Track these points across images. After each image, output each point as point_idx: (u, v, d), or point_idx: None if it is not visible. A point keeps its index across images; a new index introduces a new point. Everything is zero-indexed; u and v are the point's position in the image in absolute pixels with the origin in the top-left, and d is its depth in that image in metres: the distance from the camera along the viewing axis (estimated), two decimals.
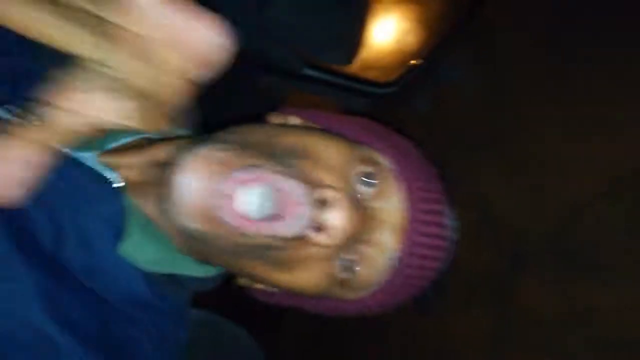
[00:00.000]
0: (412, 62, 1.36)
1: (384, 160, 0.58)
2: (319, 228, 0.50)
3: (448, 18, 1.40)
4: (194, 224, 0.50)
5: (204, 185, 0.49)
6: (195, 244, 0.53)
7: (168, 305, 0.59)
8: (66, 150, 0.53)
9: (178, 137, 0.64)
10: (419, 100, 1.41)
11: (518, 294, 1.21)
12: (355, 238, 0.53)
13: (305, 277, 0.54)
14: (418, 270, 0.58)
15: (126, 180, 0.57)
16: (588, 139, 1.15)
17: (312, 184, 0.51)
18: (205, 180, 0.49)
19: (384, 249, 0.56)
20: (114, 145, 0.60)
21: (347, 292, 0.57)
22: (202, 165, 0.49)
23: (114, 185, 0.56)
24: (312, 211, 0.50)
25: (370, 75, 1.32)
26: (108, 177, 0.56)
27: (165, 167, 0.54)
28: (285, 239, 0.50)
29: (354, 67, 1.28)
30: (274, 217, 0.49)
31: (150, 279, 0.57)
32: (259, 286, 0.63)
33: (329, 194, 0.50)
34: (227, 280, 0.64)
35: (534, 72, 1.28)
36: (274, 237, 0.50)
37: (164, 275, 0.58)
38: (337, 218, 0.50)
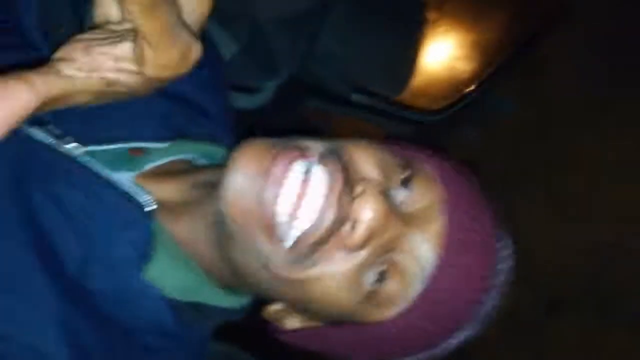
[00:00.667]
0: (463, 90, 1.36)
1: (426, 168, 0.54)
2: (347, 220, 0.47)
3: (502, 48, 1.38)
4: (238, 215, 0.48)
5: (256, 168, 0.47)
6: (229, 251, 0.51)
7: (190, 335, 0.57)
8: (104, 170, 0.55)
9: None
10: (466, 129, 1.40)
11: (554, 338, 1.18)
12: (386, 246, 0.49)
13: (334, 284, 0.49)
14: (452, 294, 0.51)
15: (160, 202, 0.56)
16: (637, 182, 1.11)
17: (350, 176, 0.48)
18: (256, 165, 0.47)
19: (417, 258, 0.50)
20: (152, 165, 0.59)
21: (373, 309, 0.51)
22: (254, 152, 0.48)
23: (146, 208, 0.55)
24: (344, 198, 0.47)
25: (419, 102, 1.31)
26: (141, 200, 0.55)
27: (211, 187, 0.53)
28: (315, 232, 0.47)
29: (403, 93, 1.28)
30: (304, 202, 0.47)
31: (175, 307, 0.55)
32: (288, 320, 0.58)
33: (367, 186, 0.48)
34: (253, 313, 0.63)
35: (586, 109, 1.24)
36: (310, 224, 0.47)
37: (189, 304, 0.56)
38: (364, 208, 0.47)
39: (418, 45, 1.32)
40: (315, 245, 0.47)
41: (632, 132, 1.13)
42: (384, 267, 0.50)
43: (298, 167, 0.47)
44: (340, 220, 0.47)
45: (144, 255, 0.53)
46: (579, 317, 1.15)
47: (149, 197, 0.56)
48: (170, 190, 0.58)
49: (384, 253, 0.50)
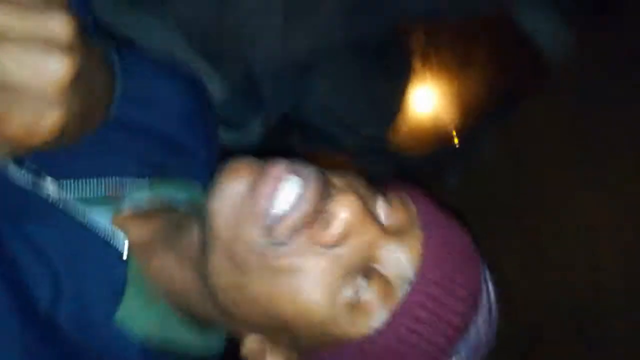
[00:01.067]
0: (446, 137, 1.41)
1: (401, 194, 0.54)
2: (322, 218, 0.47)
3: (485, 99, 1.44)
4: (225, 225, 0.47)
5: (245, 181, 0.47)
6: (205, 268, 0.50)
7: None
8: (79, 208, 0.54)
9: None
10: (448, 174, 1.44)
11: None
12: (364, 251, 0.48)
13: (313, 291, 0.47)
14: (431, 311, 0.49)
15: (136, 242, 0.56)
16: (613, 220, 1.15)
17: (329, 184, 0.49)
18: (245, 179, 0.47)
19: (396, 267, 0.49)
20: (129, 205, 0.59)
21: (354, 321, 0.49)
22: (241, 167, 0.48)
23: (121, 250, 0.55)
24: (322, 194, 0.47)
25: (403, 146, 1.35)
26: (116, 242, 0.55)
27: (189, 224, 0.55)
28: (293, 227, 0.46)
29: (388, 137, 1.32)
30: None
31: (146, 350, 0.54)
32: (268, 356, 0.55)
33: (343, 187, 0.49)
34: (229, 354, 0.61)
35: (563, 153, 1.30)
36: (292, 222, 0.46)
37: (161, 345, 0.55)
38: (341, 204, 0.46)
39: (404, 90, 1.37)
40: (291, 230, 0.46)
41: (603, 183, 1.19)
42: (363, 276, 0.49)
43: (287, 174, 0.48)
44: (317, 212, 0.46)
45: (116, 297, 0.53)
46: (558, 347, 1.17)
47: (124, 239, 0.55)
48: (147, 229, 0.57)
49: (361, 260, 0.48)
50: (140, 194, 0.60)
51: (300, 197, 0.46)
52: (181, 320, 0.56)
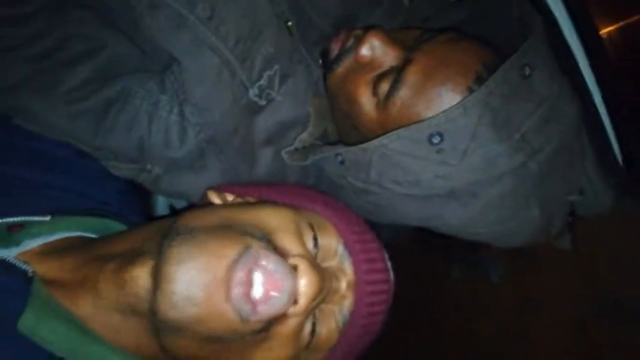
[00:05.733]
0: None
1: (326, 222, 0.62)
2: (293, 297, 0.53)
3: None
4: (188, 316, 0.50)
5: (208, 276, 0.50)
6: (167, 339, 0.53)
7: None
8: None
9: (120, 233, 0.66)
10: (455, 267, 1.45)
11: None
12: (317, 303, 0.57)
13: (285, 349, 0.56)
14: (370, 317, 0.61)
15: (53, 280, 0.56)
16: None
17: (284, 254, 0.54)
18: (207, 271, 0.50)
19: (340, 303, 0.60)
20: (36, 244, 0.60)
21: (311, 356, 0.60)
22: (198, 255, 0.51)
23: (24, 276, 0.55)
24: (293, 284, 0.52)
25: None
26: (20, 270, 0.56)
27: (104, 260, 0.56)
28: (271, 318, 0.52)
29: None
30: (264, 298, 0.52)
31: None
32: None
33: (298, 261, 0.54)
34: None
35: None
36: (267, 317, 0.52)
37: None
38: (303, 285, 0.53)
39: None
40: (267, 322, 0.53)
41: None
42: (315, 317, 0.58)
43: (249, 271, 0.52)
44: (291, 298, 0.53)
45: (13, 321, 0.52)
46: None
47: (29, 270, 0.56)
48: (62, 267, 0.58)
49: (317, 307, 0.57)
50: (45, 231, 0.61)
51: (273, 289, 0.52)
52: (93, 336, 0.56)
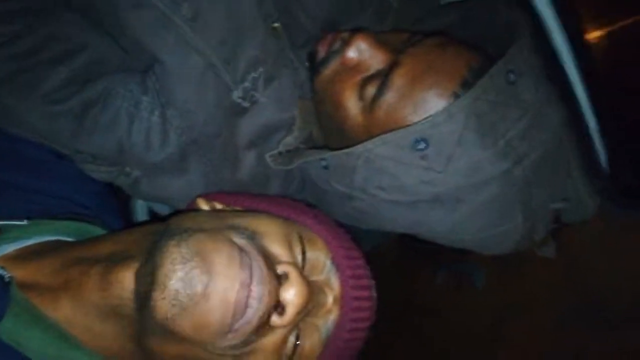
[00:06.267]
0: None
1: (314, 235, 0.62)
2: (278, 306, 0.53)
3: None
4: (184, 322, 0.49)
5: (207, 277, 0.49)
6: (148, 343, 0.53)
7: None
8: None
9: (102, 237, 0.66)
10: (439, 271, 1.46)
11: None
12: (303, 315, 0.57)
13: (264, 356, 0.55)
14: (353, 332, 0.61)
15: (32, 284, 0.56)
16: None
17: (273, 260, 0.54)
18: (212, 271, 0.50)
19: (325, 317, 0.60)
20: (13, 248, 0.59)
21: None
22: (202, 255, 0.50)
23: (4, 280, 0.54)
24: (276, 288, 0.53)
25: None
26: None
27: (84, 263, 0.55)
28: (254, 326, 0.52)
29: None
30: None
31: None
32: None
33: (288, 269, 0.54)
34: None
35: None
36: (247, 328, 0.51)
37: None
38: (292, 294, 0.53)
39: None
40: (250, 333, 0.52)
41: None
42: (300, 330, 0.58)
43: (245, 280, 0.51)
44: (274, 306, 0.53)
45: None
46: None
47: (6, 274, 0.54)
48: (40, 271, 0.57)
49: (301, 319, 0.57)
50: (23, 235, 0.60)
51: (252, 297, 0.51)
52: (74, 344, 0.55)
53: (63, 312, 0.55)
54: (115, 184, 0.77)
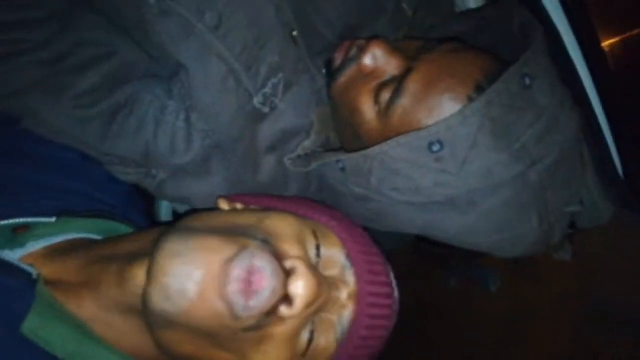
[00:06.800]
0: None
1: (330, 232, 0.63)
2: (286, 299, 0.53)
3: None
4: (180, 310, 0.50)
5: (202, 271, 0.50)
6: (164, 336, 0.53)
7: None
8: None
9: (125, 235, 0.66)
10: (451, 275, 1.46)
11: None
12: (317, 310, 0.57)
13: (281, 351, 0.55)
14: (370, 330, 0.60)
15: (57, 281, 0.56)
16: None
17: (281, 257, 0.55)
18: (202, 266, 0.50)
19: (339, 313, 0.59)
20: (41, 245, 0.60)
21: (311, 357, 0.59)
22: (194, 250, 0.51)
23: (29, 278, 0.55)
24: (283, 280, 0.53)
25: None
26: (25, 272, 0.55)
27: (108, 261, 0.56)
28: (262, 316, 0.52)
29: None
30: (252, 294, 0.51)
31: None
32: None
33: (296, 263, 0.54)
34: None
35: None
36: (256, 313, 0.51)
37: None
38: (300, 287, 0.53)
39: None
40: (258, 319, 0.52)
41: None
42: (314, 325, 0.58)
43: (246, 264, 0.52)
44: (281, 298, 0.53)
45: (17, 323, 0.52)
46: None
47: (34, 272, 0.55)
48: (66, 269, 0.58)
49: (315, 314, 0.57)
50: (50, 232, 0.61)
51: (262, 285, 0.51)
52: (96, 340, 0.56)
53: (86, 309, 0.56)
54: (140, 186, 0.79)
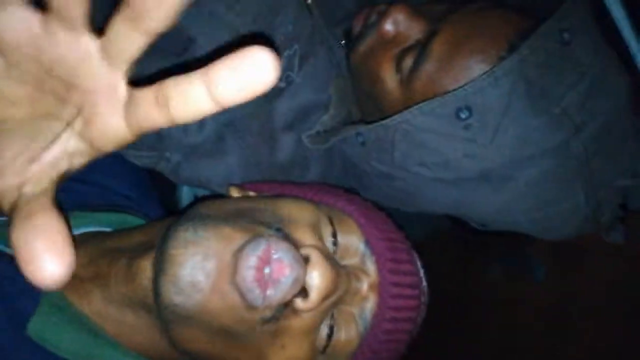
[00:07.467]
0: None
1: (347, 218, 0.59)
2: (301, 290, 0.50)
3: None
4: (193, 302, 0.47)
5: (214, 261, 0.48)
6: (175, 334, 0.50)
7: None
8: None
9: (135, 228, 0.64)
10: (497, 263, 1.38)
11: None
12: (337, 301, 0.54)
13: (300, 346, 0.53)
14: (395, 323, 0.57)
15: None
16: None
17: (297, 245, 0.51)
18: (214, 256, 0.48)
19: (360, 305, 0.56)
20: None
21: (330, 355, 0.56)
22: (205, 239, 0.49)
23: None
24: (305, 269, 0.50)
25: None
26: None
27: (128, 254, 0.54)
28: (279, 307, 0.49)
29: None
30: (270, 283, 0.48)
31: None
32: None
33: (311, 252, 0.51)
34: None
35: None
36: (275, 303, 0.49)
37: None
38: (315, 277, 0.50)
39: None
40: (275, 309, 0.49)
41: None
42: (334, 319, 0.55)
43: (260, 251, 0.49)
44: (300, 288, 0.50)
45: (23, 319, 0.50)
46: None
47: None
48: (76, 263, 0.58)
49: (333, 306, 0.54)
50: None
51: (280, 275, 0.48)
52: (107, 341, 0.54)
53: (95, 306, 0.54)
54: (157, 170, 0.77)
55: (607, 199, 0.66)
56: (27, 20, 0.28)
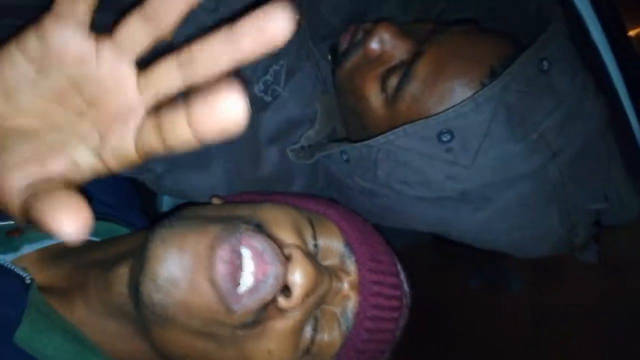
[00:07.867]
0: None
1: (327, 221, 0.60)
2: (283, 289, 0.50)
3: None
4: (173, 301, 0.47)
5: (191, 256, 0.47)
6: (159, 336, 0.50)
7: None
8: None
9: (117, 238, 0.64)
10: (473, 276, 1.41)
11: None
12: (319, 301, 0.54)
13: (284, 347, 0.52)
14: (377, 322, 0.57)
15: (49, 286, 0.54)
16: None
17: (279, 245, 0.52)
18: (190, 251, 0.48)
19: (342, 304, 0.57)
20: (33, 248, 0.58)
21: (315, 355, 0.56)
22: (182, 236, 0.48)
23: (21, 282, 0.52)
24: (286, 266, 0.50)
25: None
26: (17, 274, 0.53)
27: (106, 264, 0.54)
28: (261, 307, 0.49)
29: None
30: (249, 291, 0.48)
31: None
32: None
33: (292, 250, 0.51)
34: None
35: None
36: (255, 307, 0.48)
37: None
38: (297, 275, 0.50)
39: None
40: (256, 313, 0.49)
41: None
42: (317, 319, 0.55)
43: (236, 248, 0.49)
44: (281, 286, 0.50)
45: (10, 328, 0.49)
46: None
47: (26, 275, 0.52)
48: (58, 273, 0.56)
49: (316, 306, 0.54)
50: (43, 235, 0.58)
51: (260, 275, 0.48)
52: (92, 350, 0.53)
53: (78, 314, 0.54)
54: (139, 180, 0.77)
55: (580, 221, 0.68)
56: (82, 41, 0.30)
